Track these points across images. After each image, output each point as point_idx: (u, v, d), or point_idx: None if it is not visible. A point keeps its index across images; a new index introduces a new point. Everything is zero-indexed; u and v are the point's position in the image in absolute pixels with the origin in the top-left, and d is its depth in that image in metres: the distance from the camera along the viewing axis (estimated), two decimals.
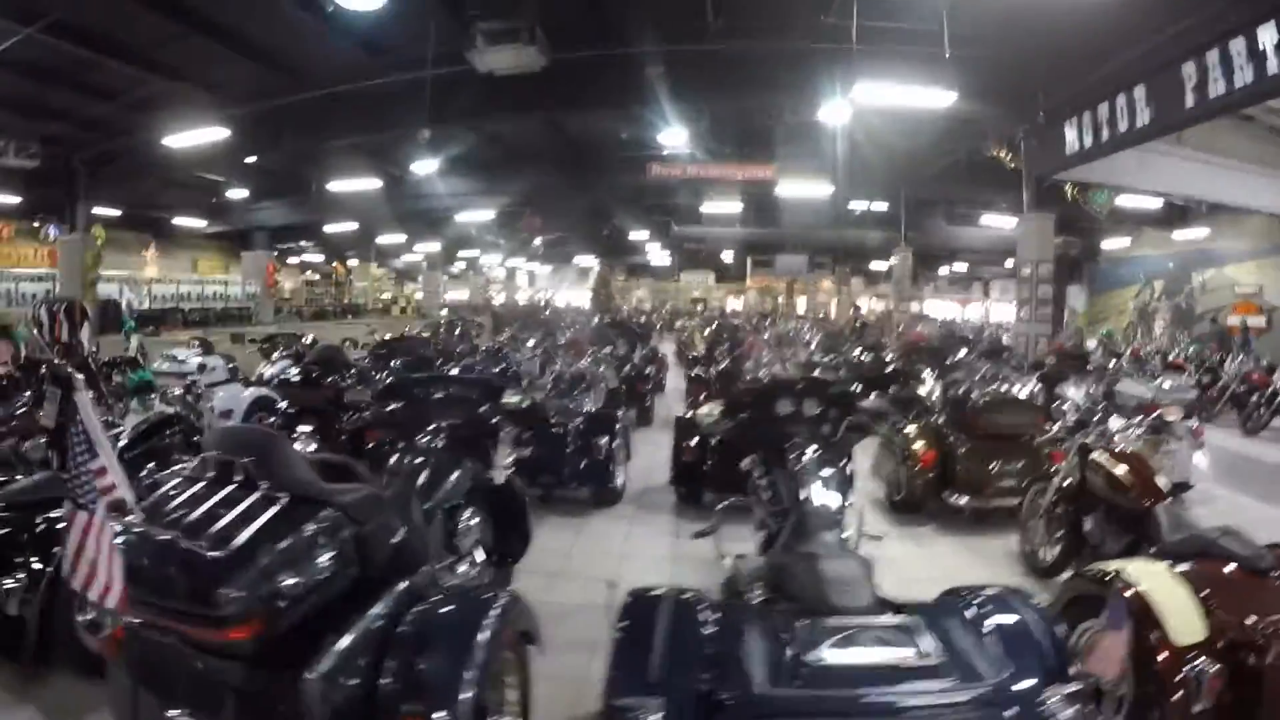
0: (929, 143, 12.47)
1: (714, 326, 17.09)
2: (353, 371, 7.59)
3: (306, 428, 3.63)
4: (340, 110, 11.97)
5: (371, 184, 16.14)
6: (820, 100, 9.86)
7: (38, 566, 2.78)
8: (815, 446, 3.45)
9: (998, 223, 17.98)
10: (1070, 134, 8.88)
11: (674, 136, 13.00)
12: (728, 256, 34.18)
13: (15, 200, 17.25)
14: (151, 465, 3.90)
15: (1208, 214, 13.90)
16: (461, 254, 35.12)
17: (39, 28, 8.60)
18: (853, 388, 6.70)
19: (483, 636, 2.17)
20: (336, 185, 16.54)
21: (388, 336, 11.65)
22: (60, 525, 2.25)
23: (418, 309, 31.37)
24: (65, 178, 15.11)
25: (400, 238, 27.76)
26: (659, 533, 5.07)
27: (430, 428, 3.70)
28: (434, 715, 1.96)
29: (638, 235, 27.14)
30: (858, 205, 18.48)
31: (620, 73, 10.11)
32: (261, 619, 1.94)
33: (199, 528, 2.00)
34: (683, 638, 1.82)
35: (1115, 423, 4.14)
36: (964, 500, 5.03)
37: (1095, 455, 3.86)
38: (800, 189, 15.33)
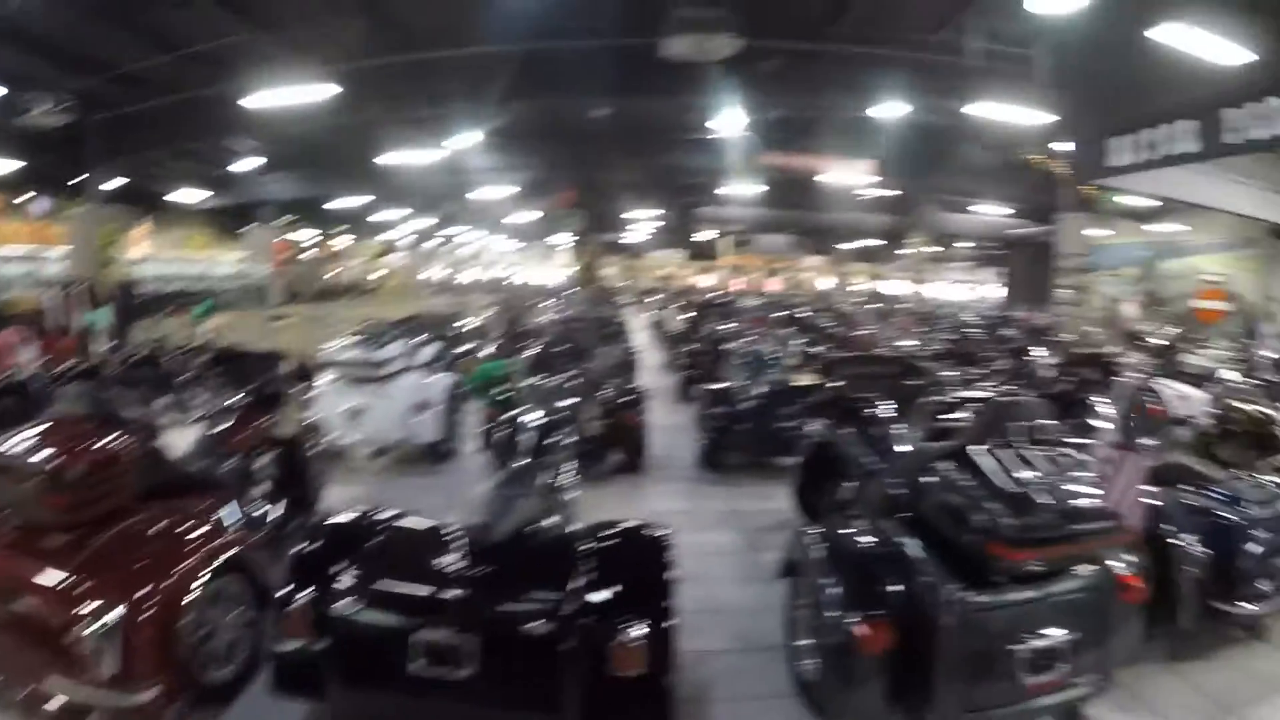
0: (974, 143, 14.38)
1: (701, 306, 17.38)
2: None
3: None
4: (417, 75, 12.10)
5: (433, 155, 15.54)
6: (923, 106, 11.28)
7: None
8: None
9: (987, 210, 21.67)
10: (1117, 149, 10.63)
11: (731, 123, 13.23)
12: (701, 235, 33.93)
13: (15, 166, 14.31)
14: None
15: (1180, 211, 16.46)
16: (445, 230, 35.08)
17: None
18: None
19: None
20: (393, 157, 16.08)
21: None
22: None
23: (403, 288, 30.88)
24: (73, 140, 13.11)
25: (402, 211, 27.55)
26: None
27: None
28: None
29: (636, 213, 27.48)
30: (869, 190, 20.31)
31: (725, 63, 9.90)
32: None
33: None
34: None
35: None
36: None
37: None
38: (844, 177, 17.08)
